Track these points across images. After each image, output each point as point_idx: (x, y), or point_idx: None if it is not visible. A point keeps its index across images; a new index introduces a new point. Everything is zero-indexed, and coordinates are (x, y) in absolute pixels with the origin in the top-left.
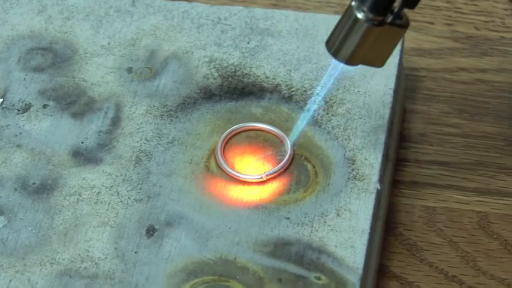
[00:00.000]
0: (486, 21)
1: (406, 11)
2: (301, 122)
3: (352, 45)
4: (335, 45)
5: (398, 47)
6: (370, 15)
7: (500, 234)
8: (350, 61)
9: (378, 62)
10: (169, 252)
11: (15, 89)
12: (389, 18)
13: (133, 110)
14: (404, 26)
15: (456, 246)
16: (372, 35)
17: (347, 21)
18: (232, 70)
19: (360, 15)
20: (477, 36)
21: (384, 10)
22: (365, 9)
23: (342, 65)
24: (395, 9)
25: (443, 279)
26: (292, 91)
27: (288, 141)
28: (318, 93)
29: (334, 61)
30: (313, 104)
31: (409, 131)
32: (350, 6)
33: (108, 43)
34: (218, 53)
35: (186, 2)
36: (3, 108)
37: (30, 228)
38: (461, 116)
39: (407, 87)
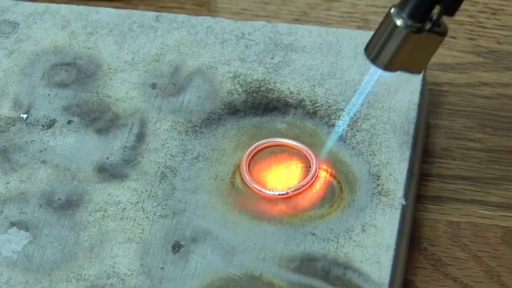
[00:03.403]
0: (508, 36)
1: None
2: (333, 137)
3: (390, 51)
4: (374, 51)
5: None
6: (409, 22)
7: None
8: (389, 67)
9: (416, 68)
10: (195, 268)
11: (39, 105)
12: (428, 26)
13: (158, 125)
14: (443, 33)
15: (480, 261)
16: (410, 41)
17: (386, 28)
18: (257, 85)
19: (398, 22)
20: (499, 50)
21: (422, 17)
22: (404, 16)
23: (380, 71)
24: (434, 17)
25: None
26: (317, 106)
27: (313, 157)
28: (355, 102)
29: (372, 67)
30: (350, 114)
31: (433, 146)
32: (389, 13)
33: (132, 58)
34: (242, 68)
35: (209, 17)
36: (27, 124)
37: (55, 244)
38: (484, 131)
39: (430, 102)
